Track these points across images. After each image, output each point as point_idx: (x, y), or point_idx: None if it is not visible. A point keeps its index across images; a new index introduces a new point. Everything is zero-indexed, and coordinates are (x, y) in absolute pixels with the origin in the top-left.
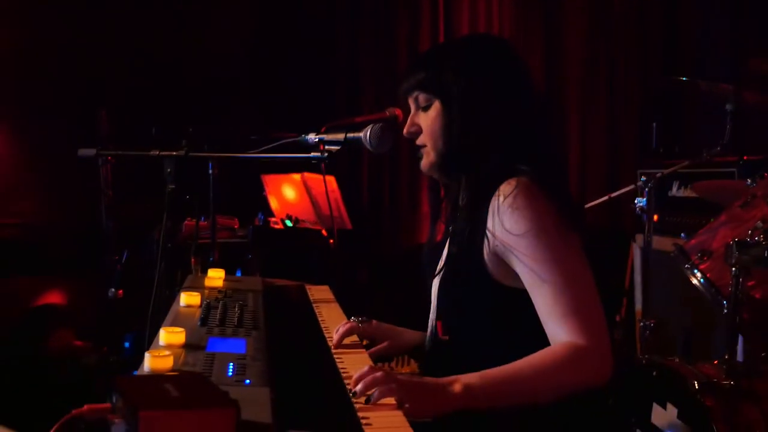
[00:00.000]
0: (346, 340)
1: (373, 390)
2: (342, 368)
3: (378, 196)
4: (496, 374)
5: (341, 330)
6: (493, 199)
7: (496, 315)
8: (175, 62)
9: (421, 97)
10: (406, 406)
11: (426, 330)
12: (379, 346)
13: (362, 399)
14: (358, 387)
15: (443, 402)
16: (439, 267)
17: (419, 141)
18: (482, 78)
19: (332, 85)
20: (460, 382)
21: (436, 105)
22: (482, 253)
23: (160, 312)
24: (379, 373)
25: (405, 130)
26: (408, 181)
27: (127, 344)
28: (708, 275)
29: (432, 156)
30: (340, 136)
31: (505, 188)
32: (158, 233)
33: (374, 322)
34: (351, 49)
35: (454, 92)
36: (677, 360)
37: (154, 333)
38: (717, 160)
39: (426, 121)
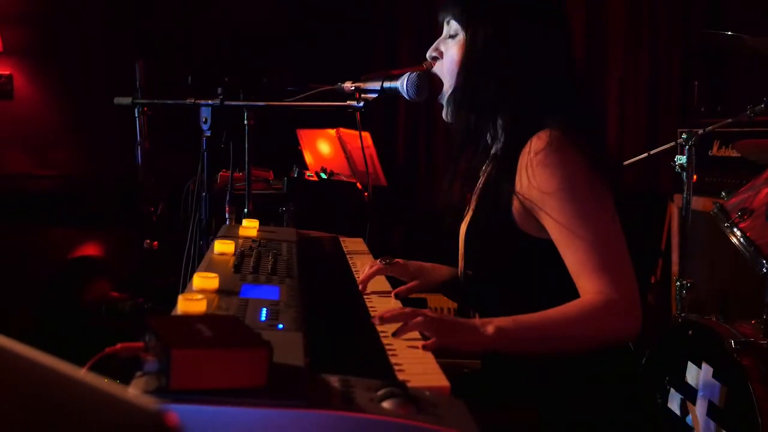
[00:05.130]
0: (378, 287)
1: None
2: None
3: (413, 154)
4: (529, 320)
5: (368, 272)
6: (524, 152)
7: (521, 264)
8: (213, 12)
9: (452, 24)
10: (433, 339)
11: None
12: (408, 285)
13: (394, 344)
14: (385, 317)
15: (474, 341)
16: (466, 215)
17: (436, 68)
18: (514, 25)
19: (371, 39)
20: (493, 324)
21: (461, 37)
22: (509, 205)
23: (195, 261)
24: (407, 309)
25: (428, 52)
26: (443, 140)
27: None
28: (748, 234)
29: (447, 92)
30: (377, 85)
31: (537, 142)
32: (193, 184)
33: (400, 261)
34: (390, 2)
35: (480, 31)
36: (714, 319)
37: (189, 280)
38: (760, 119)
39: (448, 50)
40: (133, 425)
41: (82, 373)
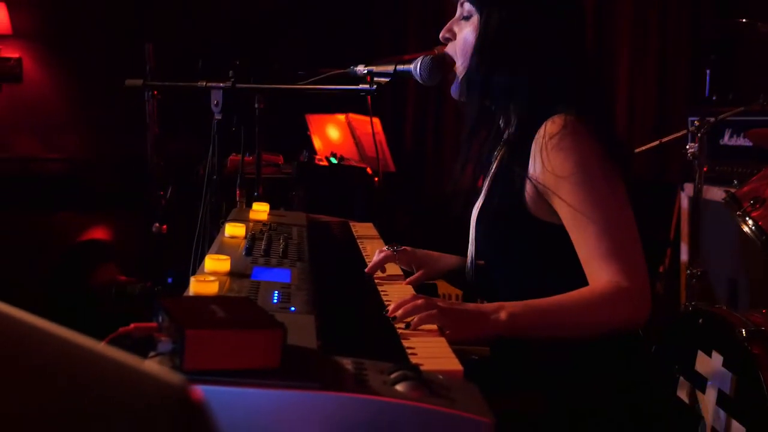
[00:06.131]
0: (389, 271)
1: (413, 316)
2: (387, 301)
3: (422, 140)
4: (539, 304)
5: (376, 259)
6: (537, 136)
7: (532, 249)
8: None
9: (466, 5)
10: (448, 332)
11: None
12: (413, 276)
13: (405, 326)
14: (398, 312)
15: (485, 328)
16: (478, 201)
17: (448, 49)
18: (528, 6)
19: (379, 27)
20: (505, 309)
21: (475, 19)
22: (522, 189)
23: (205, 244)
24: (420, 300)
25: (441, 34)
26: (452, 126)
27: (170, 279)
28: (760, 223)
29: (459, 74)
30: (390, 68)
31: (551, 126)
32: (203, 168)
33: (408, 248)
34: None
35: (494, 14)
36: (724, 308)
37: (198, 264)
38: None
39: (461, 32)
40: (157, 399)
41: (99, 345)
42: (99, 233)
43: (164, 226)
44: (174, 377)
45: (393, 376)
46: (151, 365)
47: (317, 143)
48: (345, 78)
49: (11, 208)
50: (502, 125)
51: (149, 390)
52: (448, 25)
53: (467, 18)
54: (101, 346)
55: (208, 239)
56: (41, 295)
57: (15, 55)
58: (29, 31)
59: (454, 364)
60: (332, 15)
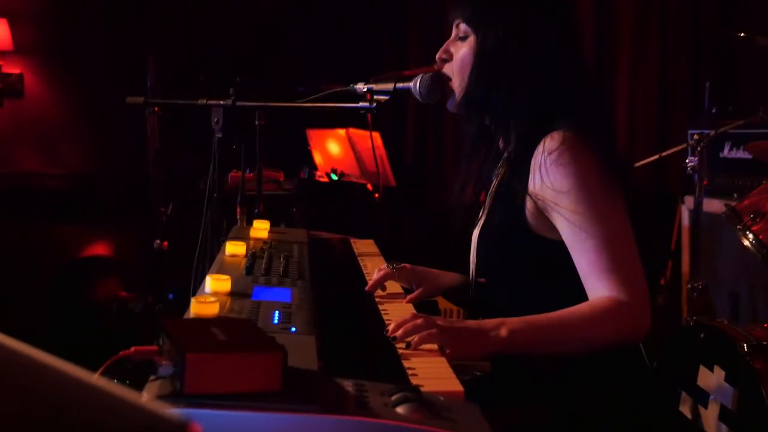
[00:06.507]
0: (389, 289)
1: (414, 336)
2: (387, 320)
3: (422, 153)
4: (540, 320)
5: (376, 277)
6: (536, 152)
7: (533, 266)
8: (226, 12)
9: (462, 26)
10: (448, 351)
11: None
12: (413, 294)
13: (405, 346)
14: (399, 332)
15: (486, 345)
16: (479, 219)
17: (446, 70)
18: (524, 27)
19: (380, 44)
20: (506, 326)
21: (472, 39)
22: (523, 206)
23: (205, 262)
24: (420, 319)
25: (437, 55)
26: (452, 140)
27: (171, 296)
28: (760, 237)
29: (457, 93)
30: (389, 86)
31: (550, 142)
32: (204, 184)
33: (408, 266)
34: (398, 5)
35: (490, 34)
36: (725, 322)
37: (199, 282)
38: None
39: (458, 52)
40: None
41: (99, 379)
42: (100, 248)
43: (165, 242)
44: (173, 414)
45: (394, 397)
46: (148, 399)
47: (318, 158)
48: (345, 95)
49: (13, 223)
50: (501, 143)
51: (148, 426)
52: (444, 46)
53: (463, 38)
54: (100, 380)
55: (209, 257)
56: (42, 310)
57: (16, 70)
58: (30, 46)
59: (454, 384)
60: (333, 16)
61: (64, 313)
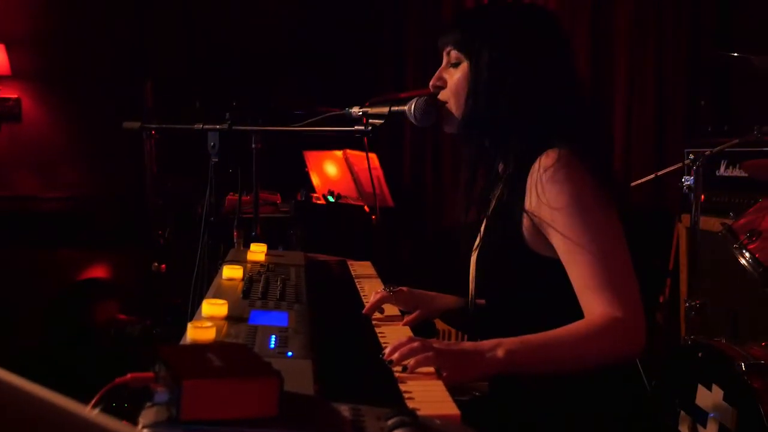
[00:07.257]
0: (387, 312)
1: (410, 360)
2: (384, 343)
3: (420, 174)
4: (536, 340)
5: (372, 300)
6: (532, 170)
7: (531, 284)
8: (222, 36)
9: (453, 53)
10: (445, 374)
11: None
12: (410, 317)
13: (401, 369)
14: (395, 356)
15: (483, 367)
16: (477, 242)
17: (441, 96)
18: (515, 49)
19: (377, 63)
20: (502, 347)
21: (464, 66)
22: (520, 224)
23: (203, 285)
24: (416, 343)
25: (431, 82)
26: (450, 159)
27: (169, 319)
28: (757, 255)
29: (454, 116)
30: (384, 110)
31: (545, 160)
32: (201, 207)
33: (405, 289)
34: (396, 27)
35: (483, 58)
36: (724, 341)
37: (197, 306)
38: None
39: (452, 78)
40: None
41: (94, 414)
42: (98, 271)
43: (163, 265)
44: None
45: (390, 422)
46: None
47: (315, 180)
48: (341, 118)
49: (11, 246)
50: (499, 165)
51: None
52: (437, 73)
53: (456, 65)
54: (94, 415)
55: (206, 280)
56: (40, 333)
57: (14, 95)
58: (28, 71)
59: (451, 408)
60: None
61: (62, 335)
